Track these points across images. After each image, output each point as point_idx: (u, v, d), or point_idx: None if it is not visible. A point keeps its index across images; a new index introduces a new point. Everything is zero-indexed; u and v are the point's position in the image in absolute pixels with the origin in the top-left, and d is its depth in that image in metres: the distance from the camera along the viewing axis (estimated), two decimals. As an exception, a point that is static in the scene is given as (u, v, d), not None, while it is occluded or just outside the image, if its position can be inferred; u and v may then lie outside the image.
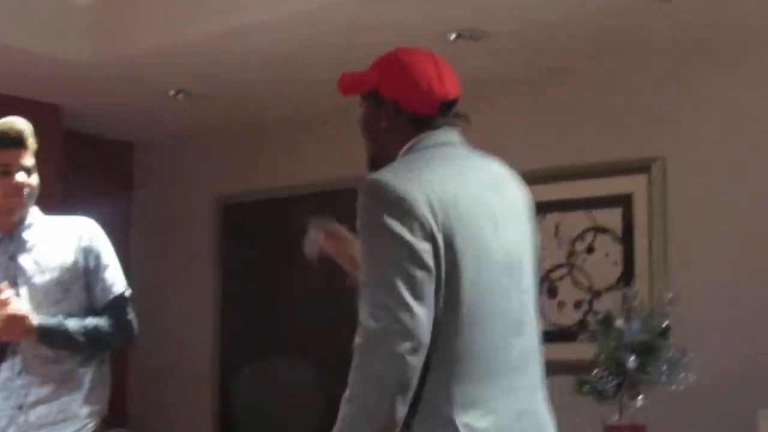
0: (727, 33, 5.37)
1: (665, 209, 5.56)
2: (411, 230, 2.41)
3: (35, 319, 3.47)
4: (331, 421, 2.43)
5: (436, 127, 2.69)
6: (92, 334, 3.60)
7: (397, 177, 2.51)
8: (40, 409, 3.55)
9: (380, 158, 2.72)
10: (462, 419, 2.40)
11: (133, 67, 6.10)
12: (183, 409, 7.29)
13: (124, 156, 7.77)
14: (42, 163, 3.75)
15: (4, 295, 3.44)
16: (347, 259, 2.91)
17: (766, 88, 5.35)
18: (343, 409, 2.39)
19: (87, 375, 3.65)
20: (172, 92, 6.52)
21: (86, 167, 7.03)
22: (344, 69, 2.89)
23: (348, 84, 2.82)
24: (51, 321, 3.51)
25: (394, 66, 2.74)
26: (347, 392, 2.39)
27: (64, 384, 3.59)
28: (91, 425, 3.64)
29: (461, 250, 2.44)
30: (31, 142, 3.66)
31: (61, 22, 5.94)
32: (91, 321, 3.62)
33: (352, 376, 2.38)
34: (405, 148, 2.68)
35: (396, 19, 5.20)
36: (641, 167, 5.65)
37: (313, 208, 6.48)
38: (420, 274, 2.38)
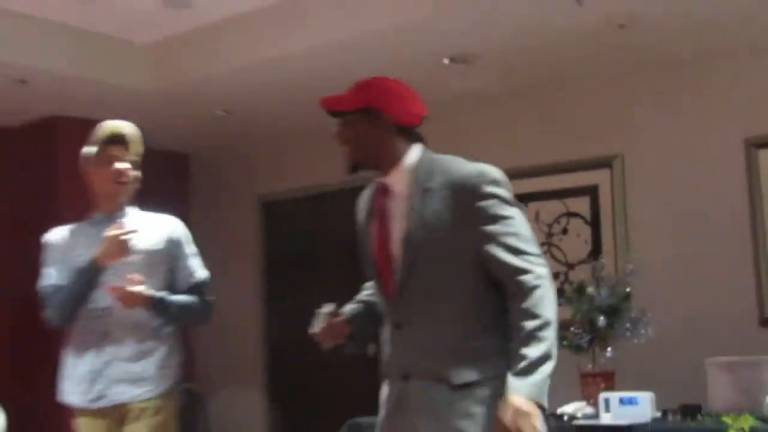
0: (670, 57, 5.41)
1: (625, 197, 5.60)
2: None
3: (150, 292, 3.44)
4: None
5: (422, 138, 2.74)
6: (186, 309, 3.59)
7: None
8: (123, 367, 3.46)
9: (366, 164, 2.73)
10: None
11: (186, 93, 6.14)
12: (238, 367, 7.35)
13: (182, 166, 7.77)
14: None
15: (137, 281, 3.40)
16: (331, 339, 2.90)
17: (701, 100, 5.40)
18: (546, 333, 2.45)
19: (163, 343, 3.57)
20: (219, 112, 6.55)
21: (150, 176, 7.05)
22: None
23: (336, 102, 2.76)
24: (158, 294, 3.47)
25: (382, 86, 2.73)
26: (544, 319, 2.46)
27: (144, 349, 3.51)
28: (164, 385, 3.54)
29: None
30: (136, 143, 3.61)
31: (127, 59, 5.98)
32: (186, 299, 3.60)
33: (547, 307, 2.48)
34: (419, 152, 2.70)
35: (399, 49, 5.23)
36: (604, 163, 5.67)
37: (338, 202, 6.57)
38: None
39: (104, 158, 3.57)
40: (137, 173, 3.64)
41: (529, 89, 5.98)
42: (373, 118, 2.69)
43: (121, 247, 3.41)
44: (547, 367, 2.46)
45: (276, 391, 7.21)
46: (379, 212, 2.73)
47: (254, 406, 7.23)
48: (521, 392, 2.43)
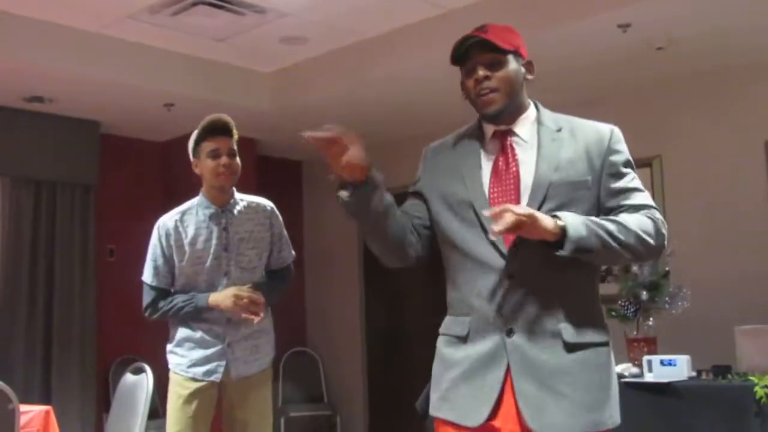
0: (700, 73, 5.31)
1: (663, 191, 5.50)
2: None
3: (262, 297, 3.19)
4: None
5: None
6: (276, 294, 3.36)
7: None
8: (242, 345, 3.25)
9: (508, 110, 2.22)
10: None
11: (299, 111, 6.20)
12: (341, 335, 7.40)
13: (296, 170, 7.84)
14: (241, 179, 3.32)
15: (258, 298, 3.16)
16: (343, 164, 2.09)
17: (727, 108, 5.29)
18: (636, 241, 2.12)
19: (267, 323, 3.35)
20: (326, 126, 6.57)
21: (270, 179, 7.11)
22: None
23: (500, 38, 2.18)
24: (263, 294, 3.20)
25: (520, 36, 2.24)
26: (653, 232, 2.14)
27: (253, 332, 3.28)
28: (271, 356, 3.37)
29: None
30: (234, 132, 3.24)
31: (252, 85, 6.07)
32: (275, 285, 3.37)
33: (657, 229, 2.17)
34: (535, 104, 2.30)
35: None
36: (646, 163, 5.56)
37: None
38: None
39: (203, 150, 3.22)
40: (238, 162, 3.25)
41: (582, 102, 5.88)
42: (520, 63, 2.22)
43: (240, 310, 3.15)
44: (609, 241, 2.05)
45: (372, 351, 7.24)
46: (511, 157, 2.20)
47: (356, 364, 7.29)
48: (564, 217, 2.03)
